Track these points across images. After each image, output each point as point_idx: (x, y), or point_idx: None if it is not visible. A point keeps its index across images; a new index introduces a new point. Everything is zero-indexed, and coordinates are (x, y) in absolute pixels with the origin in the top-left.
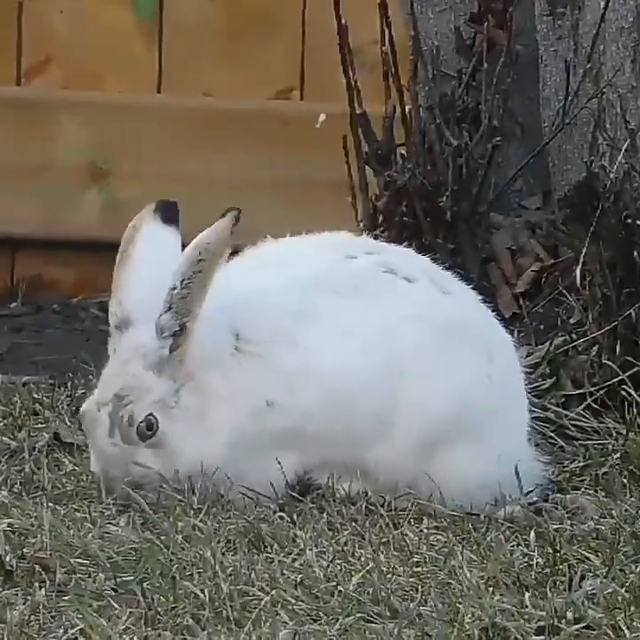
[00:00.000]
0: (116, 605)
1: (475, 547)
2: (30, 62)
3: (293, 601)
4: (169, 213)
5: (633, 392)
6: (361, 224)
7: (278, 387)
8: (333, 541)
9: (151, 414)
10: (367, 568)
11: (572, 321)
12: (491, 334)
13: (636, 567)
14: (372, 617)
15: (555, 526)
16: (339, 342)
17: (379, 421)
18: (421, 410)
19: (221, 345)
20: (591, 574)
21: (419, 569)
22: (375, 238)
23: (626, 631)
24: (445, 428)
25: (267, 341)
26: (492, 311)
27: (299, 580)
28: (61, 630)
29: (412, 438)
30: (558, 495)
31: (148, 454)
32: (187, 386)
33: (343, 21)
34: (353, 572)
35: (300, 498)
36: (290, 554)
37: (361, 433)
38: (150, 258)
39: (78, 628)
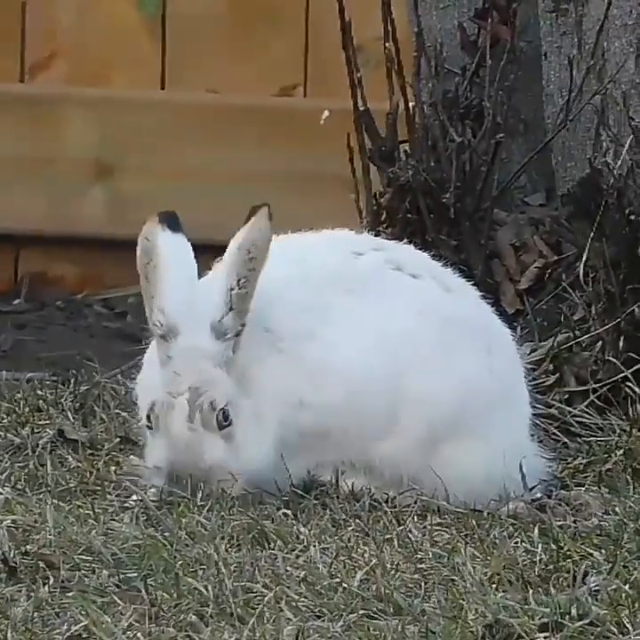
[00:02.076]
0: (119, 602)
1: (478, 543)
2: (35, 58)
3: (297, 597)
4: (174, 223)
5: (636, 389)
6: (364, 220)
7: (307, 385)
8: (337, 538)
9: (228, 405)
10: (371, 564)
11: (575, 317)
12: (492, 330)
13: None
14: (375, 613)
15: (558, 523)
16: (353, 339)
17: (386, 417)
18: (425, 405)
19: (261, 342)
20: (595, 571)
21: (422, 565)
22: (378, 234)
23: (630, 628)
24: (449, 422)
25: (294, 338)
26: (496, 307)
27: (302, 576)
28: (65, 626)
29: (415, 433)
30: (562, 492)
31: (222, 444)
32: (247, 392)
33: (347, 18)
34: (357, 569)
35: (303, 494)
36: (293, 550)
37: (371, 429)
38: (175, 266)
39: (82, 624)
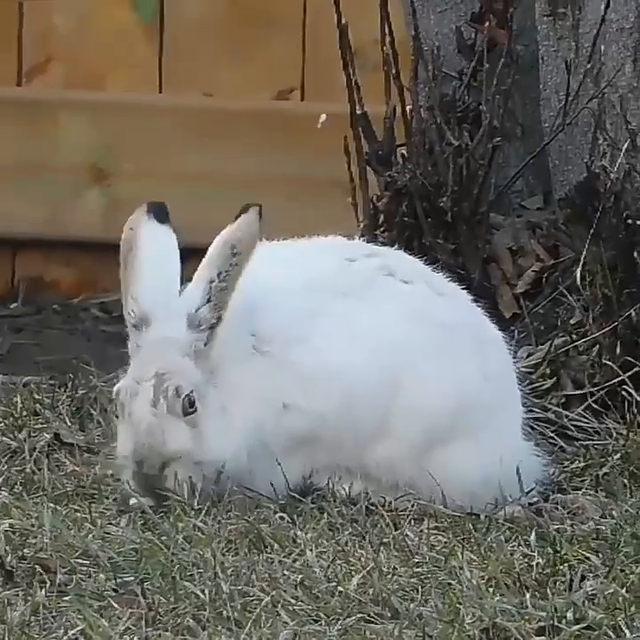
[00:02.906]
0: (116, 606)
1: (475, 547)
2: (31, 62)
3: (294, 601)
4: (161, 213)
5: (633, 392)
6: (361, 224)
7: (294, 389)
8: (334, 542)
9: (192, 392)
10: (368, 568)
11: (572, 321)
12: (484, 333)
13: (637, 567)
14: (372, 617)
15: (555, 527)
16: (347, 344)
17: (380, 422)
18: (419, 410)
19: (241, 343)
20: (592, 575)
21: (419, 569)
22: (375, 238)
23: (626, 631)
24: (443, 427)
25: (282, 342)
26: (493, 311)
27: (299, 580)
28: (62, 630)
29: (410, 438)
30: (559, 495)
31: (186, 430)
32: (214, 383)
33: (344, 21)
34: (353, 573)
35: (300, 498)
36: (290, 554)
37: (365, 434)
38: (155, 256)
39: (79, 628)
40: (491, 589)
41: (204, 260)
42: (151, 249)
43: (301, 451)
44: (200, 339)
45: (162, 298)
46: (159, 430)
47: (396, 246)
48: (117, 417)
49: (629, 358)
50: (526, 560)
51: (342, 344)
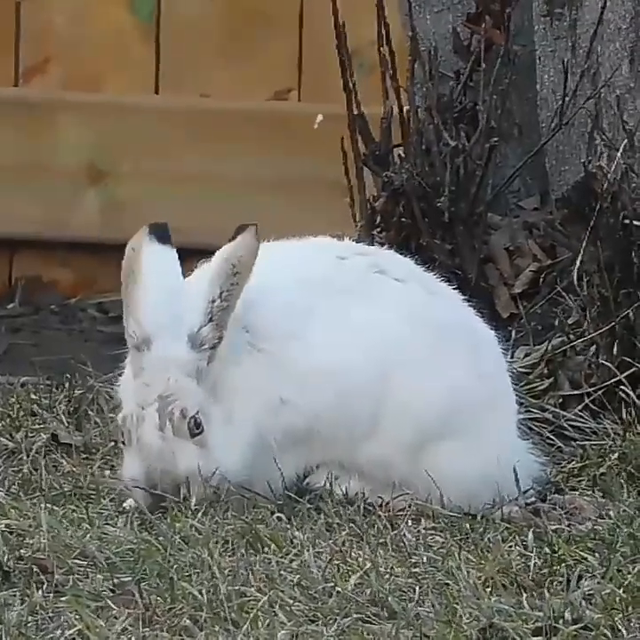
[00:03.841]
0: (113, 606)
1: (472, 547)
2: (29, 62)
3: (291, 602)
4: (162, 234)
5: (631, 392)
6: (359, 225)
7: (290, 384)
8: (331, 542)
9: (199, 413)
10: (365, 569)
11: (569, 321)
12: (476, 332)
13: (634, 568)
14: (369, 618)
15: (552, 527)
16: (341, 341)
17: (373, 420)
18: (412, 408)
19: (236, 342)
20: (589, 575)
21: (416, 570)
22: (373, 239)
23: (623, 631)
24: (436, 425)
25: (277, 338)
26: (490, 312)
27: (296, 580)
28: (59, 631)
29: (403, 436)
30: (556, 496)
31: (194, 450)
32: (214, 390)
33: (341, 22)
34: (351, 573)
35: (297, 499)
36: (287, 554)
37: (358, 431)
38: (156, 277)
39: (76, 628)
40: (488, 589)
41: (205, 274)
42: (153, 270)
43: (297, 447)
44: (202, 358)
45: (163, 319)
46: (169, 454)
47: (392, 246)
48: (124, 443)
49: (627, 358)
50: (523, 560)
51: (336, 341)
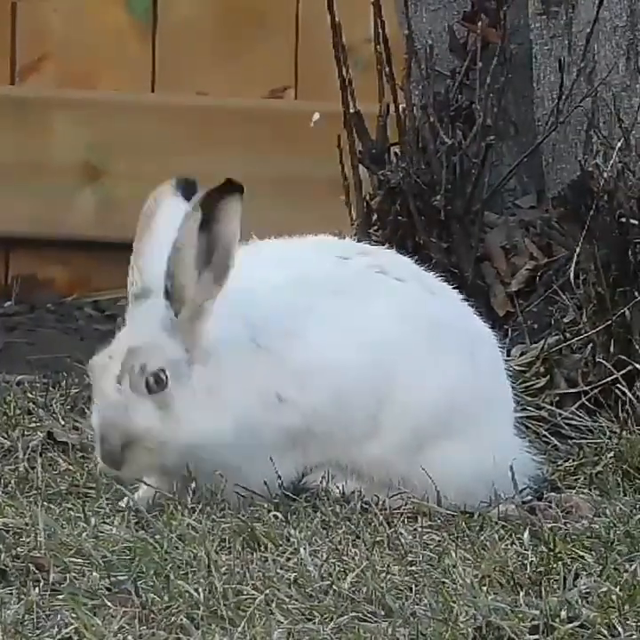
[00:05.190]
0: (110, 604)
1: (469, 545)
2: (25, 61)
3: (287, 600)
4: (189, 190)
5: (627, 391)
6: (355, 223)
7: (289, 382)
8: (328, 540)
9: (163, 370)
10: (361, 567)
11: (566, 320)
12: (474, 331)
13: (630, 566)
14: (366, 616)
15: (549, 525)
16: (342, 340)
17: (372, 419)
18: (411, 407)
19: (239, 335)
20: (585, 573)
21: (413, 568)
22: (369, 237)
23: (620, 630)
24: (434, 424)
25: (278, 335)
26: (486, 310)
27: (293, 578)
28: (56, 629)
29: (401, 435)
30: (552, 494)
31: (151, 409)
32: (202, 363)
33: (337, 20)
34: (347, 571)
35: (294, 497)
36: (284, 553)
37: (356, 431)
38: (170, 232)
39: (73, 626)
40: (484, 588)
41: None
42: (167, 224)
43: (295, 446)
44: (185, 313)
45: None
46: (122, 408)
47: (389, 245)
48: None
49: (623, 357)
50: (520, 558)
51: (335, 340)
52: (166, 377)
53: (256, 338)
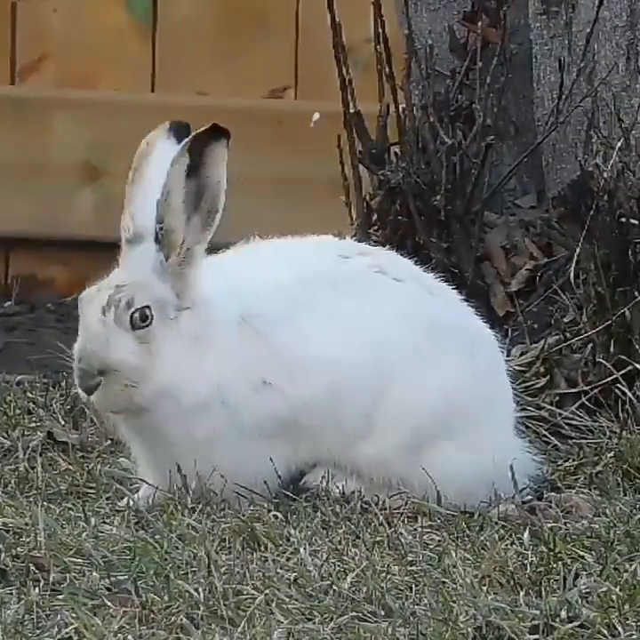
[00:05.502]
0: (110, 604)
1: (469, 545)
2: (25, 61)
3: (287, 600)
4: (182, 134)
5: (627, 390)
6: (355, 223)
7: (277, 369)
8: (328, 540)
9: (148, 307)
10: (361, 567)
11: (566, 319)
12: (474, 331)
13: (631, 566)
14: (366, 616)
15: (549, 525)
16: (337, 336)
17: (367, 418)
18: (409, 407)
19: (231, 308)
20: (585, 573)
21: (413, 568)
22: (369, 237)
23: (620, 629)
24: (433, 424)
25: (273, 323)
26: (486, 310)
27: (293, 578)
28: (56, 629)
29: (399, 435)
30: (552, 494)
31: (132, 343)
32: (191, 311)
33: (337, 20)
34: (347, 571)
35: (293, 497)
36: (284, 553)
37: (349, 429)
38: (160, 174)
39: (73, 626)
40: (484, 588)
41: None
42: (160, 168)
43: (283, 436)
44: (175, 256)
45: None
46: (104, 339)
47: (389, 245)
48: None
49: (623, 356)
50: (520, 558)
51: (333, 336)
52: (151, 315)
53: (247, 317)
